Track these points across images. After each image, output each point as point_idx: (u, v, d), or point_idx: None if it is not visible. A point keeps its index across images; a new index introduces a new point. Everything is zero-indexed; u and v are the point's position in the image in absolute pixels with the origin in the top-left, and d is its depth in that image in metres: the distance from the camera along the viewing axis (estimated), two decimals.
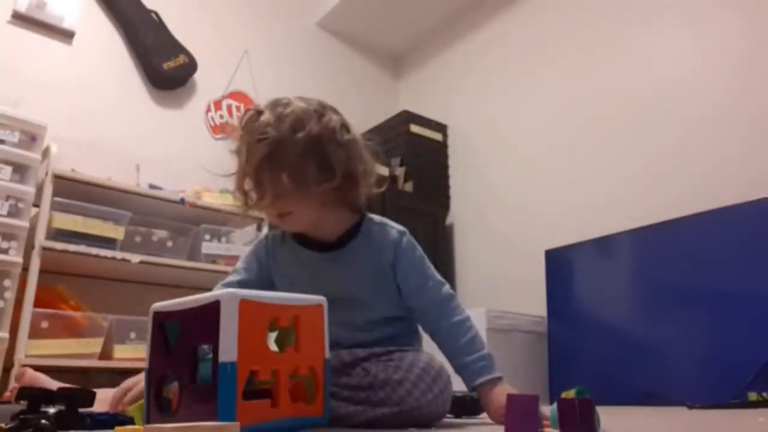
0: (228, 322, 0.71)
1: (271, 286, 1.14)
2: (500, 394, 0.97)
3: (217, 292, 0.74)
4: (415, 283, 1.11)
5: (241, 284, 1.12)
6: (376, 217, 1.16)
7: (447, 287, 1.13)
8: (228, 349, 0.70)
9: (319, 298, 0.83)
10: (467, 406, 1.26)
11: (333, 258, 1.11)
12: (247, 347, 0.71)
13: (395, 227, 1.15)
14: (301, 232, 1.13)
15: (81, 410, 0.71)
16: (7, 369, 1.83)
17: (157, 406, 0.79)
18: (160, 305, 0.81)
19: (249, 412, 0.70)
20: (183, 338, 0.78)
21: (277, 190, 1.00)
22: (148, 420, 0.78)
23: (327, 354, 0.81)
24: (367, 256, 1.11)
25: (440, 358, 1.06)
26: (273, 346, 0.80)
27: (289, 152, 1.00)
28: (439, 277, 1.15)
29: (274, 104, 1.07)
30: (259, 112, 1.06)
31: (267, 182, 1.01)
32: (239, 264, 1.20)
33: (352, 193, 1.07)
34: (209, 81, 2.96)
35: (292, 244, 1.14)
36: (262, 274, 1.16)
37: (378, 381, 0.94)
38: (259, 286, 1.05)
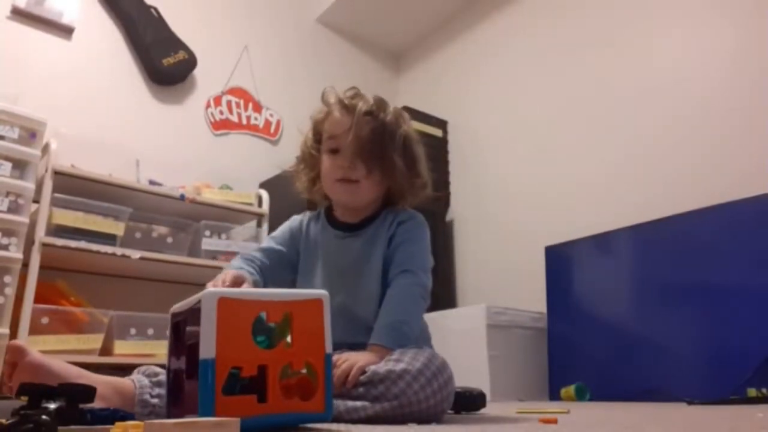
0: (207, 320, 0.72)
1: (297, 257, 1.27)
2: (361, 355, 1.00)
3: (201, 292, 0.76)
4: (398, 259, 1.17)
5: (267, 252, 1.24)
6: (410, 211, 1.26)
7: (424, 278, 1.16)
8: (207, 347, 0.71)
9: (319, 293, 0.82)
10: (468, 402, 1.26)
11: (353, 236, 1.23)
12: (229, 344, 0.72)
13: (410, 212, 1.25)
14: (334, 213, 1.27)
15: (81, 406, 0.71)
16: None
17: (174, 400, 0.81)
18: (176, 306, 0.85)
19: (230, 407, 0.70)
20: (186, 336, 0.80)
21: (365, 158, 1.16)
22: (169, 414, 0.82)
23: (329, 349, 0.80)
24: (380, 235, 1.20)
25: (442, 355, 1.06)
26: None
27: (391, 135, 1.17)
28: (426, 266, 1.18)
29: (374, 97, 1.23)
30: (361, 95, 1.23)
31: (361, 151, 1.16)
32: (274, 233, 1.31)
33: (405, 191, 1.23)
34: (209, 77, 2.95)
35: (324, 223, 1.27)
36: (292, 244, 1.28)
37: (378, 375, 0.93)
38: (286, 256, 1.25)
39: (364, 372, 0.95)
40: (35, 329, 1.87)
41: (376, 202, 1.25)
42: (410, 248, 1.18)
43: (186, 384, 0.79)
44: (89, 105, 2.55)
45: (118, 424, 0.57)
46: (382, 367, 0.94)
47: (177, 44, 2.82)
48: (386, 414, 0.91)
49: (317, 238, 1.26)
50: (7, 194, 1.91)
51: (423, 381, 0.92)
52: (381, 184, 1.21)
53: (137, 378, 0.95)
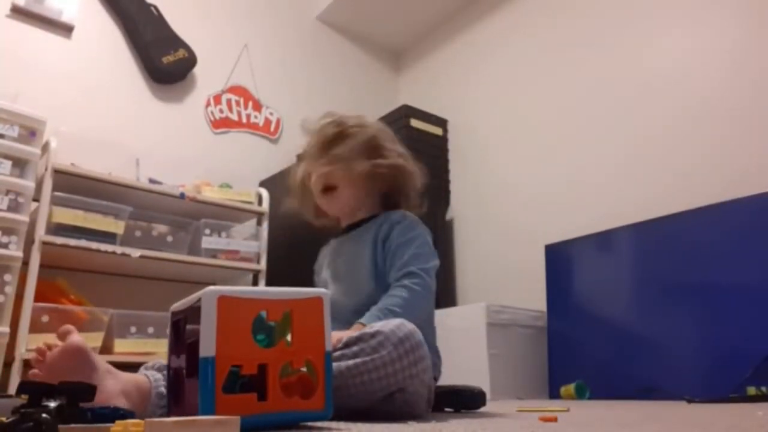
0: (208, 318, 0.72)
1: None
2: (341, 332, 1.04)
3: (201, 291, 0.76)
4: (392, 253, 1.24)
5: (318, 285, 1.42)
6: (402, 210, 1.34)
7: (425, 277, 1.20)
8: (207, 345, 0.72)
9: (319, 291, 0.83)
10: (467, 400, 1.26)
11: (347, 238, 1.35)
12: (229, 343, 0.73)
13: (402, 212, 1.31)
14: (340, 222, 1.38)
15: (82, 404, 0.71)
16: (8, 363, 1.83)
17: (175, 399, 0.82)
18: (176, 305, 0.86)
19: (231, 405, 0.70)
20: (186, 335, 0.81)
21: (331, 163, 1.28)
22: (169, 412, 0.83)
23: (328, 347, 0.80)
24: (369, 234, 1.28)
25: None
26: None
27: (349, 139, 1.28)
28: (425, 264, 1.23)
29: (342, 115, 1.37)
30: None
31: (325, 156, 1.29)
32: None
33: (390, 189, 1.32)
34: (209, 75, 2.95)
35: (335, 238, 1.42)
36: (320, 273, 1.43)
37: (353, 338, 0.97)
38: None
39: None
40: (35, 327, 1.87)
41: (366, 205, 1.35)
42: (408, 250, 1.24)
43: (186, 382, 0.79)
44: (89, 103, 2.55)
45: (118, 422, 0.57)
46: (357, 332, 0.99)
47: (177, 42, 2.82)
48: (358, 368, 0.92)
49: (328, 251, 1.42)
50: (7, 193, 1.91)
51: (395, 340, 0.94)
52: (358, 180, 1.30)
53: (149, 373, 0.97)
